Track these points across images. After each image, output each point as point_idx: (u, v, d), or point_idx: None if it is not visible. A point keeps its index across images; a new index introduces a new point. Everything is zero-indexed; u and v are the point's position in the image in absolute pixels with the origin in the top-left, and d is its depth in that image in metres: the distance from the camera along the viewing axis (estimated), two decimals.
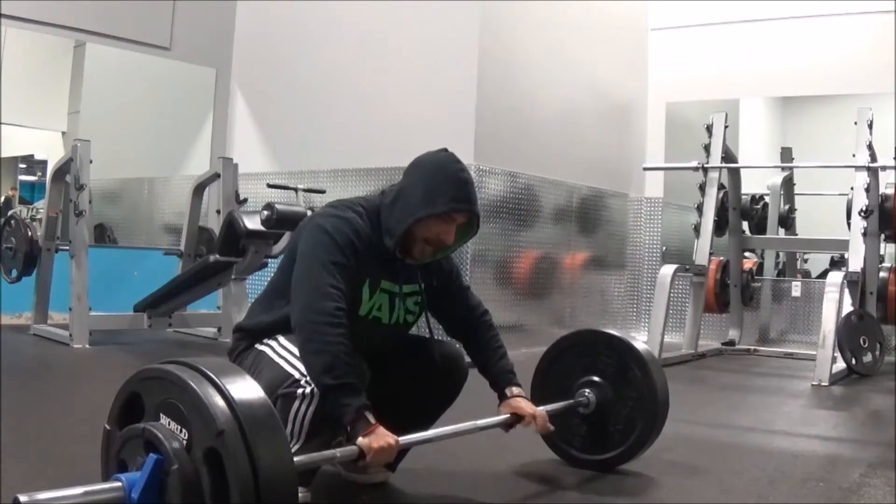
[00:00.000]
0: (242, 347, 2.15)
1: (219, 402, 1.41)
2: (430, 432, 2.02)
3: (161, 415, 1.46)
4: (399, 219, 2.07)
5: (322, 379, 1.86)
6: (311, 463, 1.76)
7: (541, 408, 2.30)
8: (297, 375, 1.94)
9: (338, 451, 1.79)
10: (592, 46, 6.63)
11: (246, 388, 1.45)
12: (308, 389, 1.91)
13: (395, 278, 2.15)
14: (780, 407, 4.09)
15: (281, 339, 2.05)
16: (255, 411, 1.42)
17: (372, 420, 1.83)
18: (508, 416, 2.19)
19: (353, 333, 1.96)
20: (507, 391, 2.23)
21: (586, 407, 2.49)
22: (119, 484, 1.41)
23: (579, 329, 2.74)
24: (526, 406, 2.22)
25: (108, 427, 1.56)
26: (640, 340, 2.61)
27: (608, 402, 2.49)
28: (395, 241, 2.07)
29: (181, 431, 1.42)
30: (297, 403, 1.91)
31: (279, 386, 1.94)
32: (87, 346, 4.78)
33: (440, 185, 2.05)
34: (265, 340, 2.10)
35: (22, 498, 1.28)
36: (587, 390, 2.50)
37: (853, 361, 4.87)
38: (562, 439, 2.56)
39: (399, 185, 2.13)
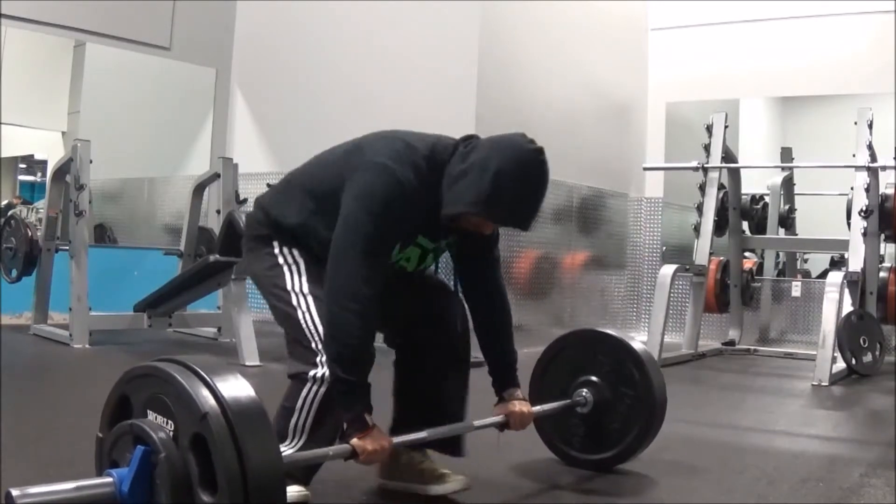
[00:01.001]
0: (263, 235, 2.09)
1: (202, 389, 1.42)
2: (425, 432, 2.02)
3: (148, 411, 1.48)
4: (454, 199, 1.92)
5: (332, 367, 1.85)
6: (303, 460, 1.76)
7: (537, 407, 2.30)
8: (314, 346, 1.93)
9: (330, 450, 1.79)
10: (592, 47, 6.63)
11: (229, 377, 1.47)
12: (320, 372, 1.90)
13: (435, 234, 2.07)
14: (780, 407, 4.09)
15: (305, 280, 1.99)
16: (239, 397, 1.43)
17: (370, 422, 1.83)
18: (502, 417, 2.19)
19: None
20: (506, 393, 2.22)
21: (584, 406, 2.49)
22: (110, 479, 1.42)
23: (577, 329, 2.74)
24: (516, 410, 2.20)
25: (100, 435, 1.57)
26: (637, 340, 2.61)
27: (606, 402, 2.48)
28: (445, 217, 1.96)
29: (167, 423, 1.44)
30: (308, 387, 1.91)
31: (297, 343, 1.95)
32: (87, 346, 4.78)
33: (507, 196, 1.88)
34: (289, 260, 2.04)
35: (14, 492, 1.29)
36: (585, 390, 2.50)
37: (853, 361, 4.87)
38: (559, 439, 2.57)
39: (473, 157, 1.93)
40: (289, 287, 2.00)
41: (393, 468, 2.18)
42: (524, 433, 2.31)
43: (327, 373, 1.88)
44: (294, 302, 1.99)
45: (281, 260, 2.04)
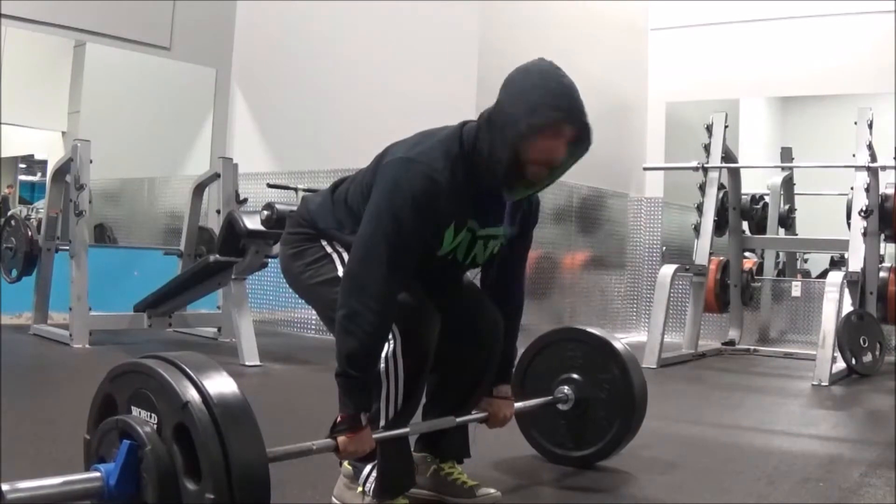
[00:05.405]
0: (311, 234, 2.11)
1: (182, 380, 1.45)
2: (407, 427, 2.00)
3: (132, 407, 1.51)
4: (502, 141, 1.87)
5: (341, 361, 1.83)
6: (286, 455, 1.75)
7: (519, 403, 2.32)
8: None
9: (314, 444, 1.80)
10: (592, 46, 6.62)
11: (209, 369, 1.49)
12: (390, 348, 1.88)
13: (484, 219, 2.01)
14: (780, 407, 4.09)
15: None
16: (219, 385, 1.46)
17: (363, 422, 1.83)
18: (484, 414, 2.19)
19: (423, 269, 1.95)
20: (495, 389, 2.21)
21: (565, 403, 2.52)
22: (98, 474, 1.44)
23: (560, 327, 2.77)
24: (498, 409, 2.20)
25: (87, 437, 1.59)
26: (619, 339, 2.62)
27: (586, 400, 2.51)
28: (505, 169, 1.87)
29: (151, 417, 1.47)
30: (384, 366, 1.89)
31: None
32: (87, 346, 4.78)
33: (543, 96, 1.88)
34: (338, 248, 2.06)
35: (3, 487, 1.31)
36: (566, 387, 2.53)
37: (853, 361, 4.87)
38: (541, 435, 2.60)
39: (495, 103, 1.95)
40: (340, 274, 1.97)
41: (420, 478, 2.17)
42: (505, 429, 2.30)
43: (399, 345, 1.88)
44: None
45: (329, 249, 2.06)
